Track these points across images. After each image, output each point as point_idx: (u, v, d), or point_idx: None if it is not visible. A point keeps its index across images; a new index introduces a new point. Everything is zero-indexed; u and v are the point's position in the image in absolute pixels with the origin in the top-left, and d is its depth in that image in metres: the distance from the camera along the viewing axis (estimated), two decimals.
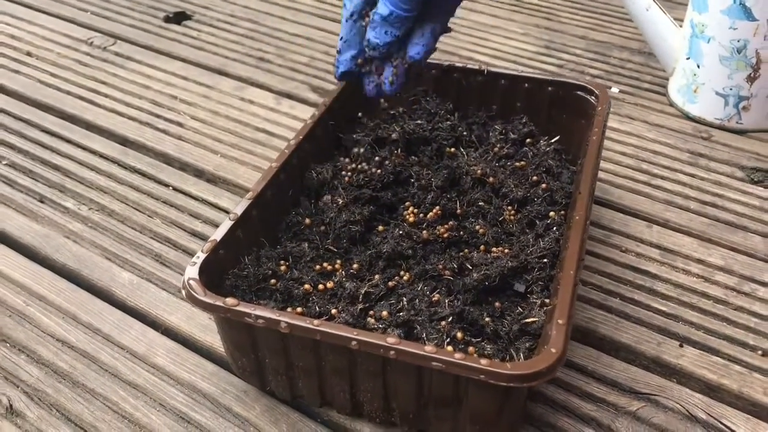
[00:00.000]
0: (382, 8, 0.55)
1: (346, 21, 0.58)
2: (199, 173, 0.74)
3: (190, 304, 0.45)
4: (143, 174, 0.74)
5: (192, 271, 0.46)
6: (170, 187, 0.72)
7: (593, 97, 0.65)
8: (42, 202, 0.70)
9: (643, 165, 0.74)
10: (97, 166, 0.75)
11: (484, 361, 0.40)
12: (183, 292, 0.45)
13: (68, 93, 0.86)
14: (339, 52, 0.59)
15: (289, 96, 0.86)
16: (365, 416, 0.49)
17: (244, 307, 0.44)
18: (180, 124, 0.81)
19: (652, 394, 0.51)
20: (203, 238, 0.65)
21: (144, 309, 0.59)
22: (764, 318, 0.57)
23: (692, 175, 0.72)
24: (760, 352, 0.54)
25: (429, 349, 0.41)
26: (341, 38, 0.59)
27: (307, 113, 0.82)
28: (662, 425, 0.49)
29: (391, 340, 0.42)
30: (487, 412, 0.45)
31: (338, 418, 0.50)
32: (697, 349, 0.55)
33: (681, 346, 0.55)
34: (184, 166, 0.75)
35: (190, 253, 0.64)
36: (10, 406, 0.51)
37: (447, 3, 0.56)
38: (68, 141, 0.78)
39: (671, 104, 0.83)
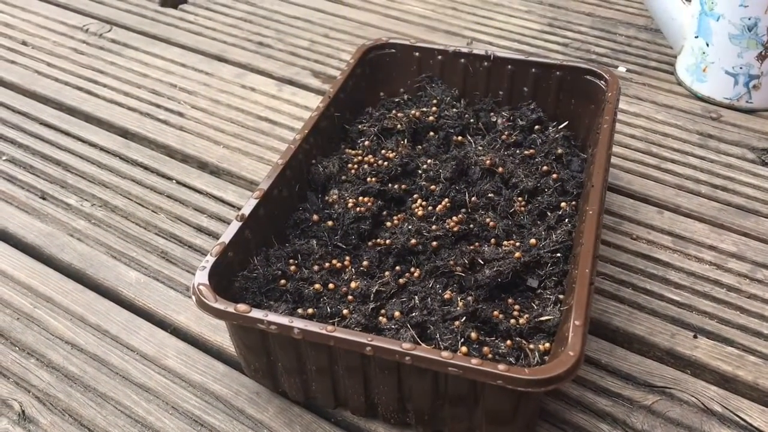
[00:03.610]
0: None
1: None
2: (202, 165, 0.73)
3: (200, 310, 0.44)
4: (145, 167, 0.73)
5: (202, 276, 0.46)
6: (173, 181, 0.71)
7: (602, 82, 0.64)
8: (44, 198, 0.69)
9: (653, 148, 0.73)
10: (98, 159, 0.73)
11: (501, 366, 0.40)
12: (193, 298, 0.45)
13: (66, 84, 0.85)
14: None
15: (291, 82, 0.85)
16: (380, 417, 0.49)
17: (256, 314, 0.43)
18: (181, 114, 0.80)
19: (666, 387, 0.51)
20: (209, 233, 0.65)
21: (152, 309, 0.58)
22: None
23: (702, 158, 0.71)
24: None
25: (445, 354, 0.41)
26: None
27: (309, 100, 0.81)
28: (678, 419, 0.49)
29: (406, 346, 0.41)
30: (504, 412, 0.44)
31: (352, 418, 0.50)
32: (711, 340, 0.54)
33: (695, 337, 0.54)
34: (186, 158, 0.74)
35: (197, 250, 0.63)
36: (23, 412, 0.51)
37: None
38: (68, 134, 0.77)
39: (679, 83, 0.82)
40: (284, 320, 0.43)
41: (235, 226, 0.49)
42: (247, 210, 0.51)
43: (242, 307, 0.43)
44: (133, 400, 0.51)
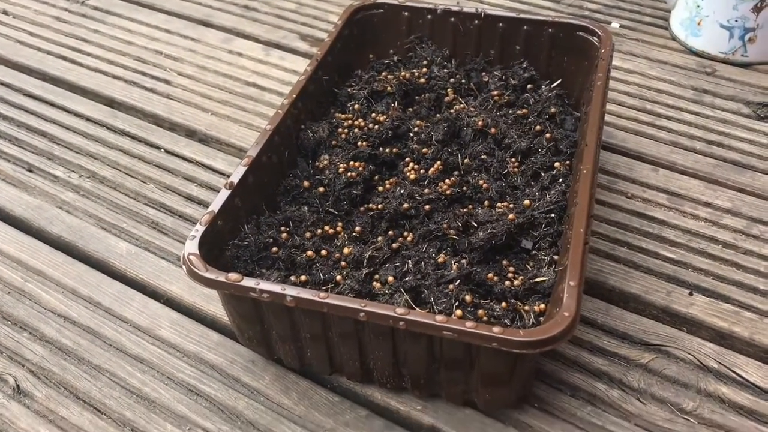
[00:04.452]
0: None
1: None
2: (190, 133, 0.72)
3: (191, 280, 0.44)
4: (133, 137, 0.71)
5: (191, 246, 0.45)
6: (162, 150, 0.70)
7: (595, 38, 0.62)
8: (31, 171, 0.68)
9: (647, 105, 0.72)
10: (84, 130, 0.72)
11: (496, 329, 0.39)
12: (183, 268, 0.44)
13: (49, 53, 0.83)
14: None
15: (278, 46, 0.83)
16: (376, 382, 0.49)
17: (248, 282, 0.43)
18: (167, 82, 0.78)
19: (663, 345, 0.51)
20: (199, 202, 0.64)
21: (144, 279, 0.58)
22: None
23: (697, 114, 0.70)
24: None
25: (439, 318, 0.40)
26: None
27: (297, 64, 0.80)
28: (674, 376, 0.49)
29: (400, 311, 0.41)
30: (499, 374, 0.44)
31: (348, 384, 0.50)
32: (707, 297, 0.54)
33: (691, 294, 0.54)
34: (174, 127, 0.73)
35: (187, 219, 0.62)
36: (17, 386, 0.50)
37: None
38: (53, 105, 0.76)
39: (673, 38, 0.81)
40: (276, 288, 0.42)
41: (224, 194, 0.49)
42: (235, 177, 0.50)
43: (233, 275, 0.43)
44: (128, 372, 0.51)
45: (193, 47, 0.83)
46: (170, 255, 0.59)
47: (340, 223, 0.53)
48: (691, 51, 0.78)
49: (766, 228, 0.59)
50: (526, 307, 0.46)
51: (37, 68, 0.81)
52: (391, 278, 0.48)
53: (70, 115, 0.74)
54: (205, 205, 0.63)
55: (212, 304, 0.55)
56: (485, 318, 0.45)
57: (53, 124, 0.73)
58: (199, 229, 0.46)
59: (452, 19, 0.66)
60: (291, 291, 0.42)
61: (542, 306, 0.46)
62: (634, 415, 0.47)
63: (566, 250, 0.45)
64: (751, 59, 0.76)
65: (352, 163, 0.56)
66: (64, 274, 0.58)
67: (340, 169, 0.55)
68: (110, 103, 0.76)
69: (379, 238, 0.51)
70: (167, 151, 0.69)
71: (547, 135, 0.58)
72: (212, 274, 0.43)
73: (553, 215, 0.51)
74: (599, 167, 0.64)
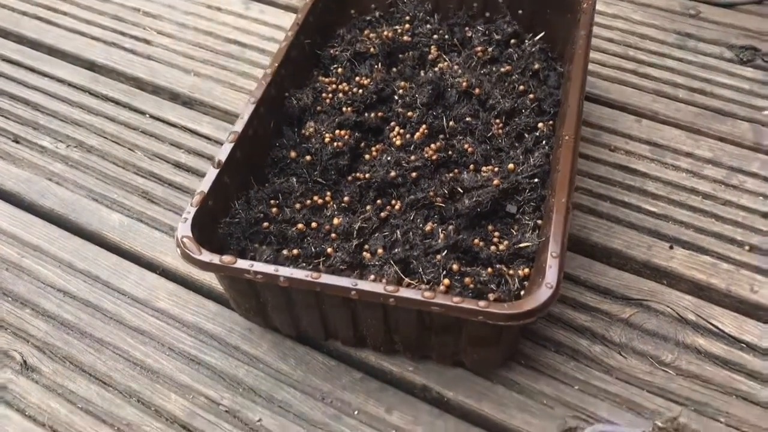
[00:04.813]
0: None
1: None
2: (174, 96, 0.71)
3: (187, 263, 0.45)
4: (117, 102, 0.71)
5: (184, 229, 0.46)
6: (147, 115, 0.70)
7: None
8: (17, 142, 0.68)
9: (630, 51, 0.72)
10: (67, 97, 0.72)
11: (481, 303, 0.41)
12: (178, 251, 0.45)
13: (24, 14, 0.81)
14: None
15: None
16: (369, 346, 0.51)
17: (241, 264, 0.44)
18: (147, 42, 0.77)
19: (643, 300, 0.53)
20: (188, 169, 0.64)
21: (139, 251, 0.59)
22: (752, 211, 0.58)
23: (680, 60, 0.71)
24: (747, 247, 0.56)
25: (427, 294, 0.42)
26: None
27: (278, 18, 0.79)
28: (654, 330, 0.51)
29: (389, 288, 0.42)
30: (487, 338, 0.46)
31: (343, 348, 0.52)
32: (687, 249, 0.56)
33: (671, 247, 0.56)
34: (157, 90, 0.72)
35: (177, 188, 0.63)
36: (24, 362, 0.52)
37: None
38: (33, 70, 0.75)
39: None
40: (270, 269, 0.44)
41: (213, 173, 0.49)
42: (223, 155, 0.50)
43: (227, 258, 0.44)
44: (130, 344, 0.53)
45: (172, 3, 0.82)
46: (163, 225, 0.60)
47: (328, 193, 0.54)
48: None
49: (745, 177, 0.60)
50: (511, 272, 0.48)
51: (13, 30, 0.79)
52: (380, 250, 0.49)
53: (52, 81, 0.74)
54: (194, 172, 0.64)
55: (207, 274, 0.56)
56: (472, 285, 0.47)
57: (35, 91, 0.73)
58: (191, 211, 0.47)
59: None
60: (284, 272, 0.43)
61: (526, 270, 0.48)
62: (615, 369, 0.50)
63: (549, 218, 0.46)
64: None
65: (337, 131, 0.56)
66: (61, 249, 0.59)
67: (326, 139, 0.56)
68: (91, 66, 0.75)
69: (368, 208, 0.53)
70: (152, 117, 0.69)
71: (531, 95, 0.58)
72: (206, 257, 0.44)
73: (536, 180, 0.52)
74: (583, 119, 0.64)
